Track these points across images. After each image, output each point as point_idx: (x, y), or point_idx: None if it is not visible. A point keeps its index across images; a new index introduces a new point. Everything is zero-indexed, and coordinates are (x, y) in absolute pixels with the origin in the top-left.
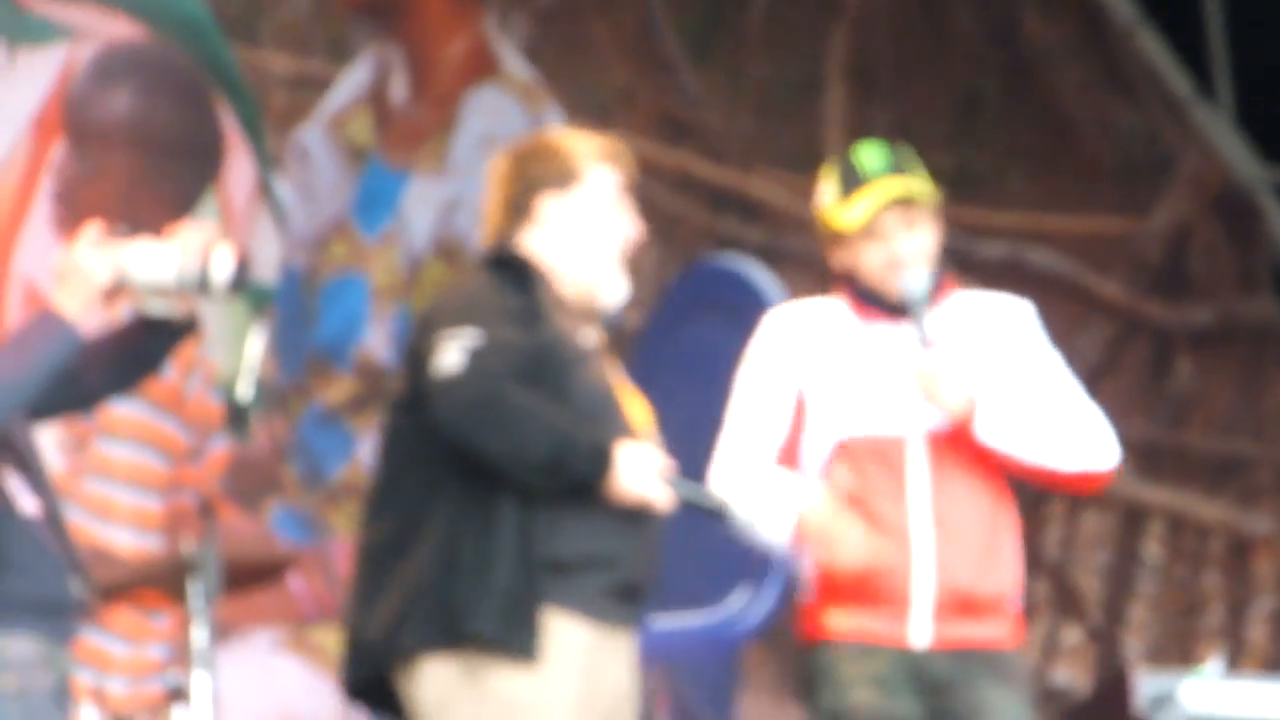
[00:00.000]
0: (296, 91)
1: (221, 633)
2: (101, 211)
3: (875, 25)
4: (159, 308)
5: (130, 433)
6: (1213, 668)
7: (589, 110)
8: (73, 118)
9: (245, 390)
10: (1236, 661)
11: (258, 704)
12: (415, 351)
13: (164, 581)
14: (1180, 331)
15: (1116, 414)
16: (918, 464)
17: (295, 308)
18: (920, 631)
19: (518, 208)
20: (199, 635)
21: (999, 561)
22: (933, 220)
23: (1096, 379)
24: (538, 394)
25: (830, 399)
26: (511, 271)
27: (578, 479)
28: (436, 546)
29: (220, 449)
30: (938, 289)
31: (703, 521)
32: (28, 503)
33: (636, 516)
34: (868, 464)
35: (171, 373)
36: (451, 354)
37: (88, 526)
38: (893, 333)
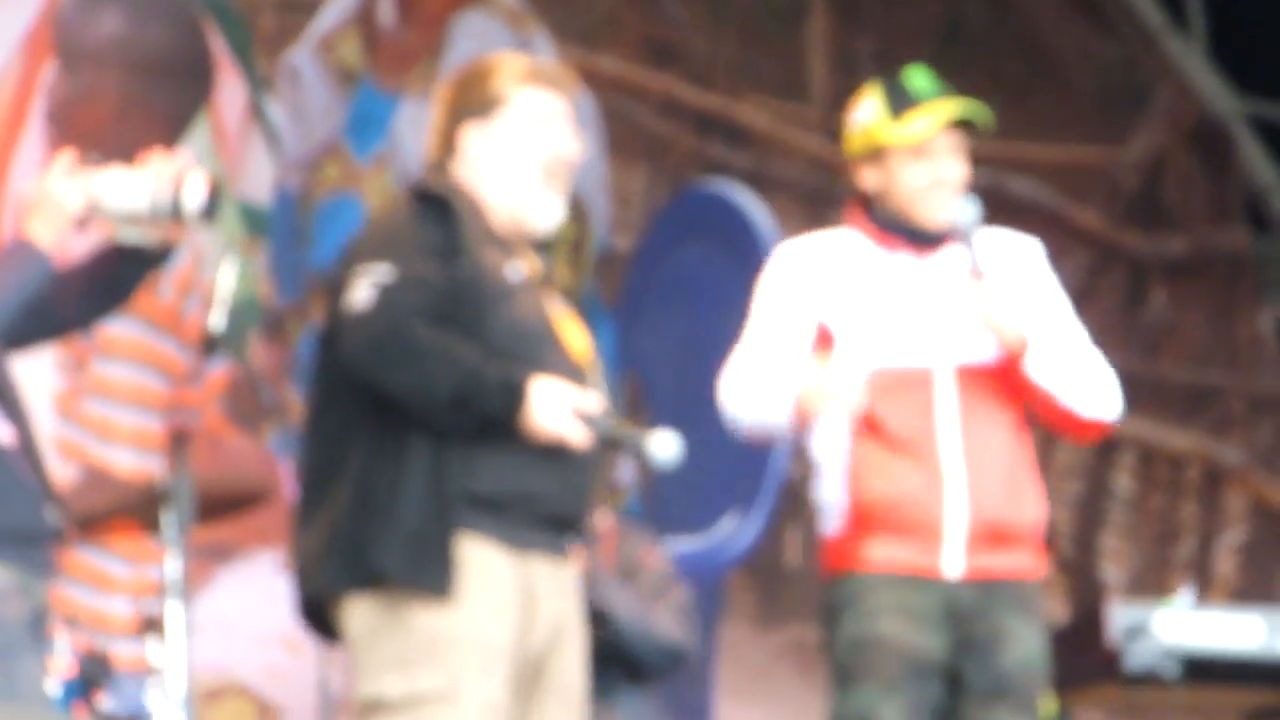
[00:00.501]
0: (286, 14)
1: (224, 554)
2: (93, 132)
3: None
4: (132, 236)
5: (129, 353)
6: (1183, 598)
7: (575, 35)
8: (63, 38)
9: (216, 319)
10: (1205, 592)
11: (261, 623)
12: (333, 284)
13: (138, 511)
14: (1155, 261)
15: (1095, 342)
16: (946, 396)
17: (290, 229)
18: (953, 562)
19: (446, 138)
20: (173, 566)
21: (1025, 493)
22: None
23: (1075, 308)
24: (451, 330)
25: (856, 331)
26: (433, 204)
27: (487, 415)
28: (351, 483)
29: (219, 370)
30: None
31: (697, 449)
32: (2, 431)
33: (558, 451)
34: (896, 395)
35: (169, 293)
36: (362, 290)
37: (88, 446)
38: (917, 263)
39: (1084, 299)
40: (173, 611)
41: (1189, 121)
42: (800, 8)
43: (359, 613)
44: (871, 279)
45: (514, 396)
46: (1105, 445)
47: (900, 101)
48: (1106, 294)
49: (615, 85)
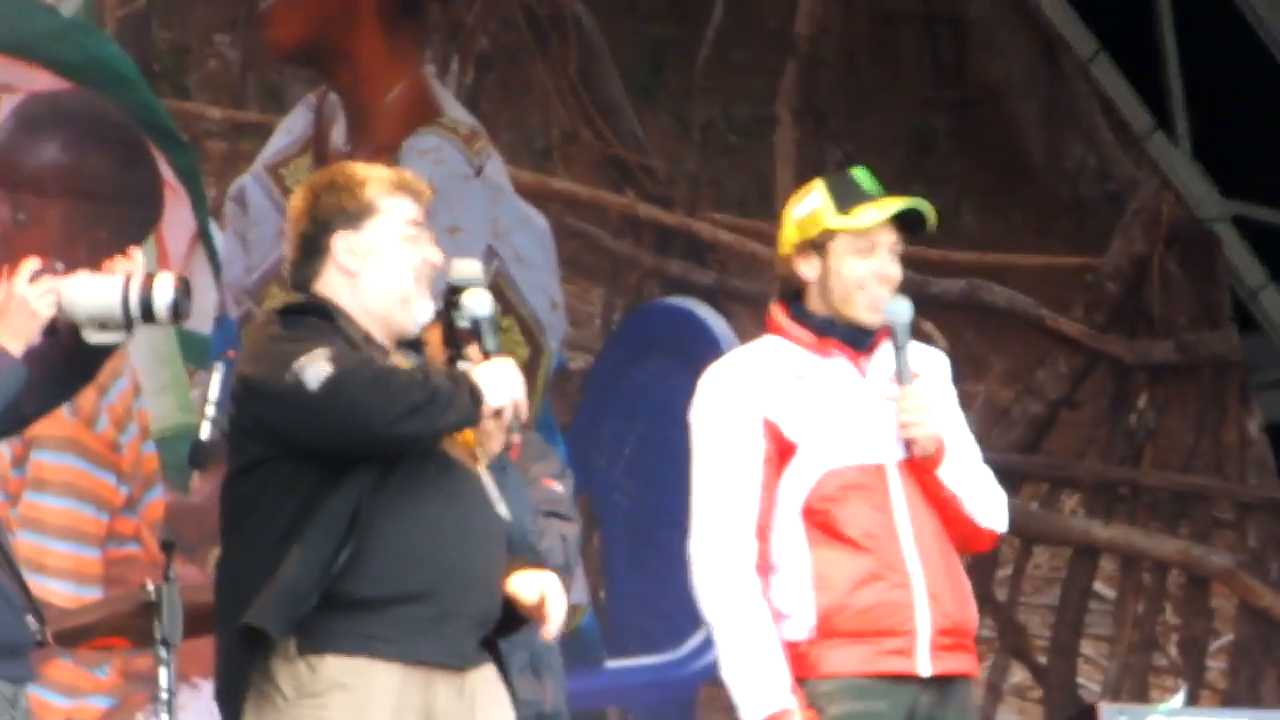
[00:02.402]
0: (234, 139)
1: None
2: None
3: (825, 64)
4: (100, 338)
5: (62, 487)
6: (1178, 701)
7: (532, 154)
8: (1, 167)
9: (205, 430)
10: (1195, 697)
11: None
12: (253, 407)
13: (125, 624)
14: (1140, 365)
15: (1077, 448)
16: (898, 491)
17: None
18: (925, 661)
19: (311, 243)
20: (164, 676)
21: (966, 590)
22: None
23: (1056, 413)
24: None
25: (808, 436)
26: (310, 313)
27: (462, 409)
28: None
29: (157, 499)
30: (876, 334)
31: (657, 567)
32: None
33: (456, 546)
34: (853, 495)
35: (105, 424)
36: (312, 368)
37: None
38: (852, 366)
39: (1067, 404)
40: None
41: (1171, 223)
42: (763, 120)
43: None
44: (813, 385)
45: (466, 385)
46: (1085, 551)
47: (848, 195)
48: (1090, 399)
49: (572, 203)
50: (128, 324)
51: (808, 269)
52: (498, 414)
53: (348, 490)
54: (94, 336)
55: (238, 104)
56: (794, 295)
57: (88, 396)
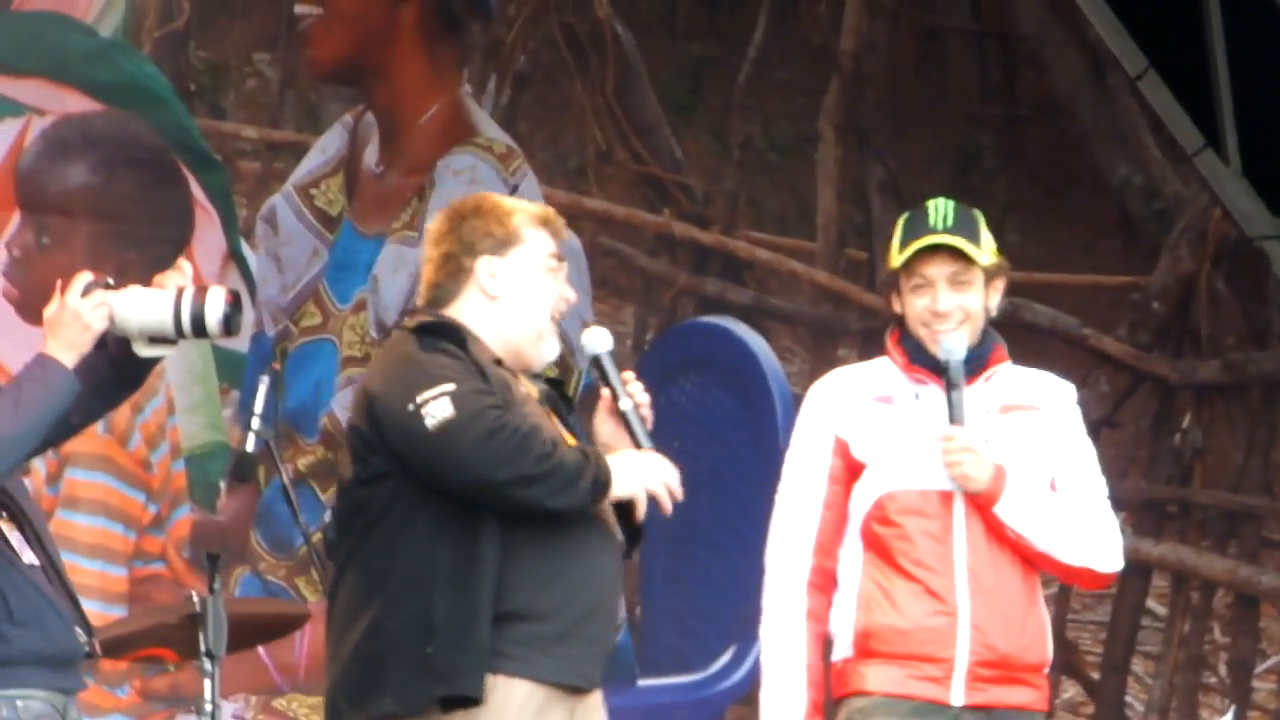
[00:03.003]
0: (267, 159)
1: (191, 705)
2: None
3: (869, 80)
4: (150, 351)
5: (93, 505)
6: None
7: (567, 174)
8: (25, 192)
9: (250, 441)
10: (1242, 718)
11: None
12: (376, 426)
13: (170, 635)
14: (1186, 385)
15: (1118, 468)
16: (961, 521)
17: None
18: (960, 691)
19: (456, 266)
20: (207, 689)
21: (1025, 624)
22: (986, 287)
23: (1096, 433)
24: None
25: (879, 456)
26: (445, 335)
27: (579, 495)
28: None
29: (184, 517)
30: (984, 360)
31: (692, 585)
32: (29, 554)
33: (581, 568)
34: (913, 519)
35: (137, 442)
36: (434, 404)
37: None
38: (938, 395)
39: (1108, 424)
40: None
41: (1220, 242)
42: (805, 138)
43: None
44: (897, 408)
45: (595, 467)
46: (1137, 571)
47: (909, 231)
48: (1131, 419)
49: (606, 222)
50: (179, 337)
51: (896, 305)
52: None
53: (486, 519)
54: (145, 350)
55: (274, 124)
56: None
57: (122, 413)
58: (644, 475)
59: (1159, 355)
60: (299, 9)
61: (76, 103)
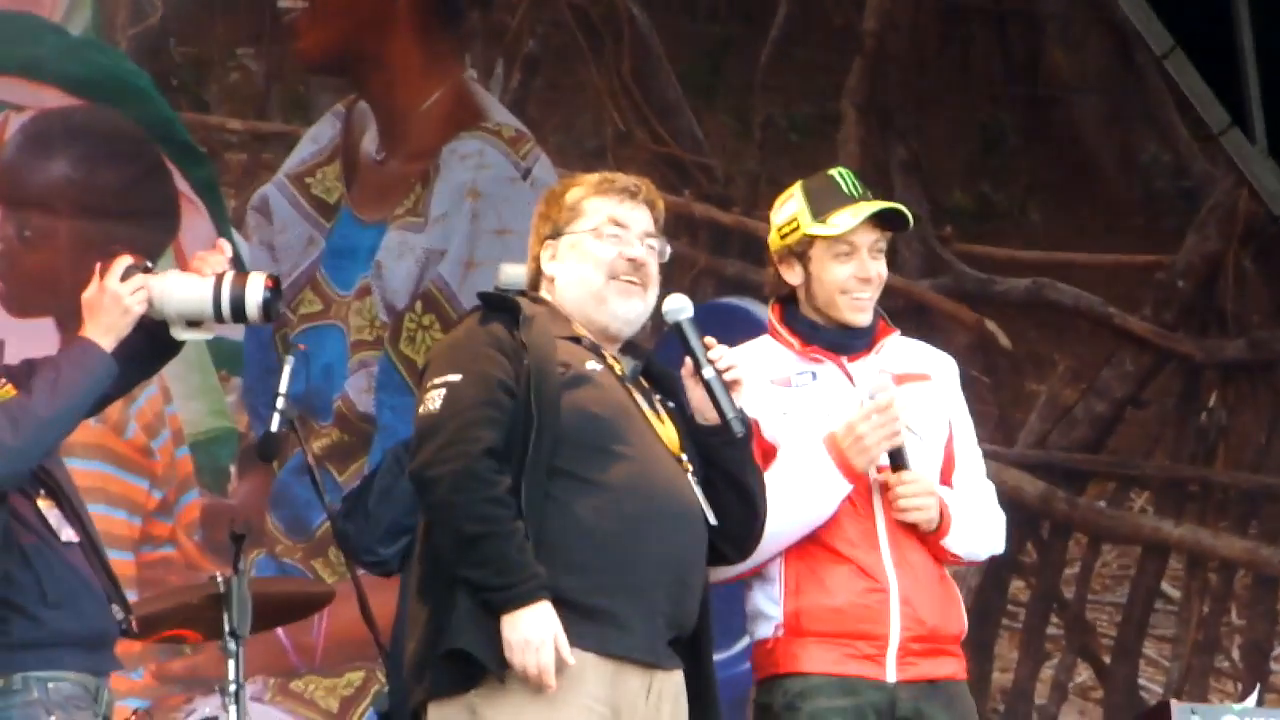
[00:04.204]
0: (253, 151)
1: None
2: (43, 277)
3: (892, 59)
4: (187, 335)
5: (92, 493)
6: (1250, 701)
7: (583, 156)
8: (5, 186)
9: (275, 422)
10: (1262, 700)
11: None
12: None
13: (196, 615)
14: (1210, 364)
15: (1144, 447)
16: (877, 499)
17: (267, 363)
18: (891, 668)
19: (534, 258)
20: (231, 669)
21: (947, 598)
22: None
23: (1121, 412)
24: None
25: (785, 438)
26: (503, 309)
27: (477, 581)
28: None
29: (193, 501)
30: (874, 331)
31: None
32: (68, 532)
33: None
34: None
35: (135, 430)
36: (432, 398)
37: None
38: (836, 373)
39: (1133, 402)
40: (232, 717)
41: (1247, 221)
42: (827, 118)
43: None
44: (798, 389)
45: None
46: (1155, 549)
47: (823, 200)
48: (1157, 397)
49: None
50: (219, 322)
51: (791, 276)
52: None
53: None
54: (182, 334)
55: (260, 116)
56: (789, 297)
57: (114, 404)
58: (516, 646)
59: (1184, 334)
60: (283, 3)
61: (54, 99)
